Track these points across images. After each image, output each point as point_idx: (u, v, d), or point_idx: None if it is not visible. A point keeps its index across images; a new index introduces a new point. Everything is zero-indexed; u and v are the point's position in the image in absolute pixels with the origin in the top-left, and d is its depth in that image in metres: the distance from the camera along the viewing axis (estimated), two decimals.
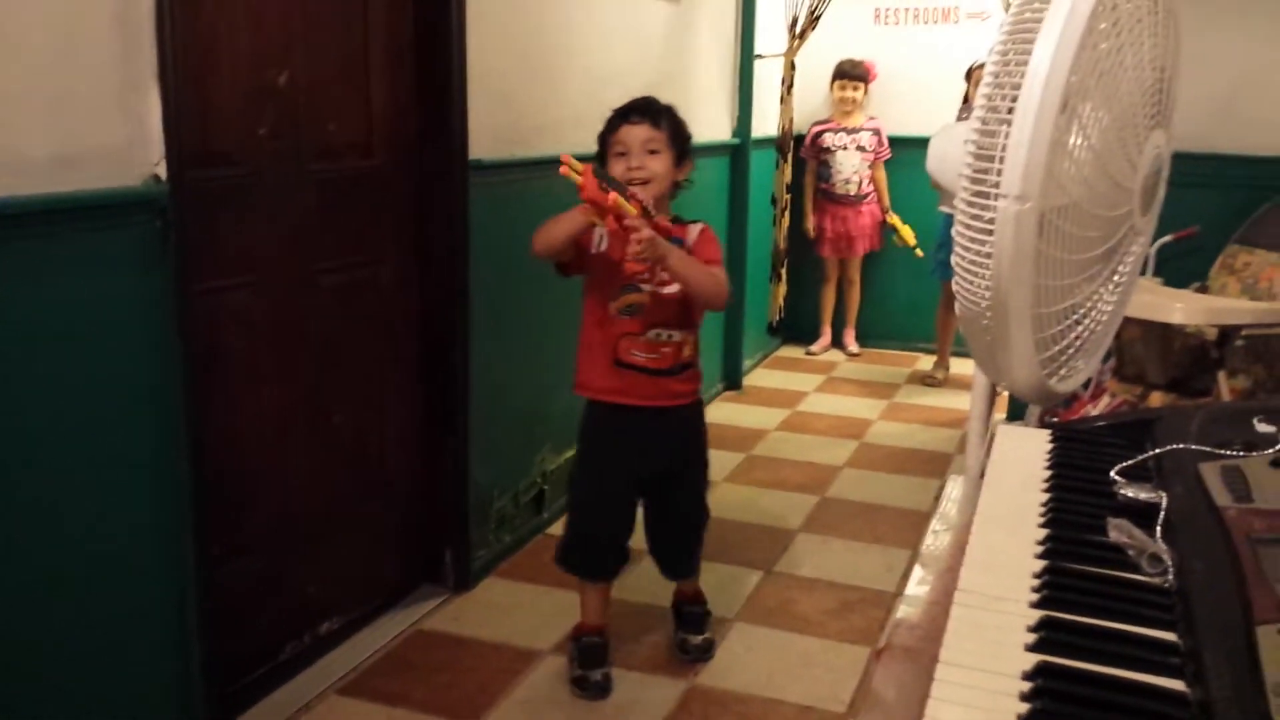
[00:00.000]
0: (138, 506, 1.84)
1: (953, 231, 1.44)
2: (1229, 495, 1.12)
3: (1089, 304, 1.54)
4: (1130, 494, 1.21)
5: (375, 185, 2.52)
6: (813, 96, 5.38)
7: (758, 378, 5.08)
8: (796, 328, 5.57)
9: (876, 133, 5.29)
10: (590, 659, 2.40)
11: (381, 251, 2.57)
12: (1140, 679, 0.90)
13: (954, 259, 1.44)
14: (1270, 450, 1.23)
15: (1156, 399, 3.15)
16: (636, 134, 2.28)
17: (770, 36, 4.89)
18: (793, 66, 5.05)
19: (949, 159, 1.56)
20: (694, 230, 2.35)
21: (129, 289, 1.78)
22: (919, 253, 5.15)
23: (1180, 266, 3.44)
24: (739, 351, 4.82)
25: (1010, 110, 1.32)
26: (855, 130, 5.27)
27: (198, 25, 1.97)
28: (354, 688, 2.37)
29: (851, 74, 5.25)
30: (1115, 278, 1.59)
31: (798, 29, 4.97)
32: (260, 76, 2.15)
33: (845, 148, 5.27)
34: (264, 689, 2.30)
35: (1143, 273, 3.16)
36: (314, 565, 2.44)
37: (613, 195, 2.08)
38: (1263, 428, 1.28)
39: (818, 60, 5.24)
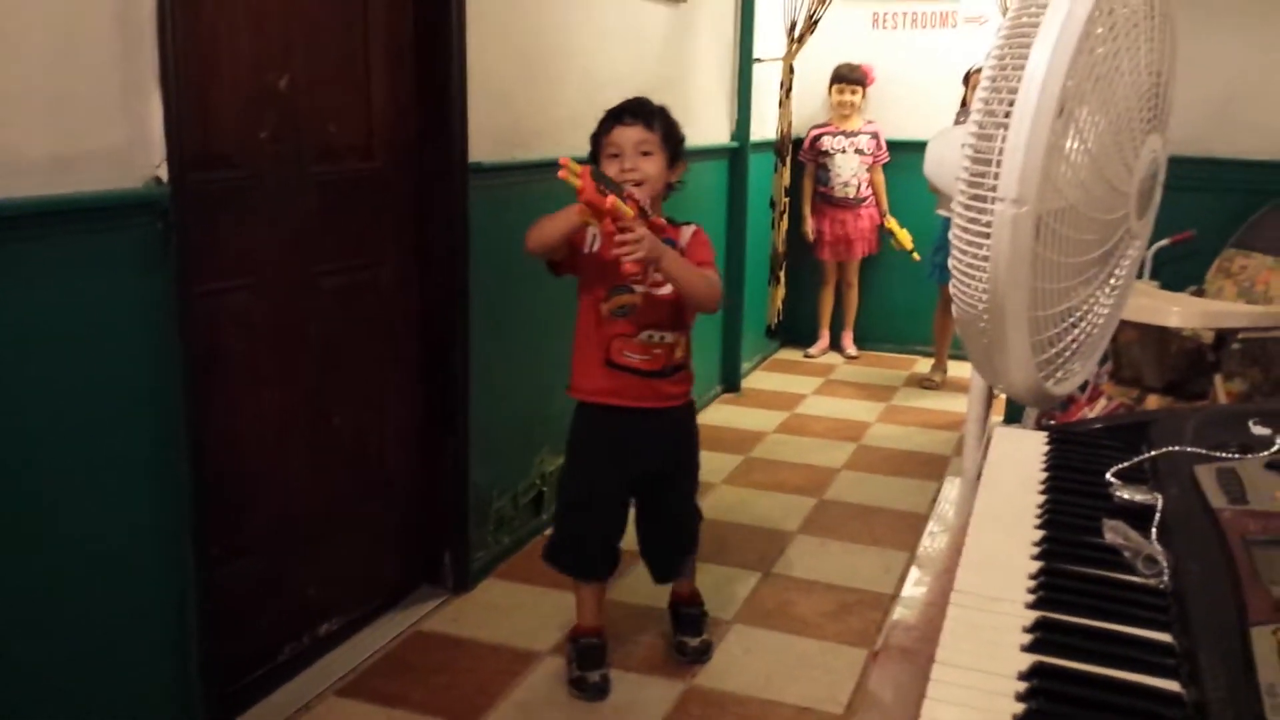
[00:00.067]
0: (137, 508, 1.85)
1: (950, 235, 1.44)
2: (1224, 497, 1.12)
3: (1086, 307, 1.54)
4: (1126, 496, 1.21)
5: (375, 187, 2.52)
6: (811, 100, 5.39)
7: (756, 380, 5.09)
8: (795, 330, 5.58)
9: (875, 136, 5.30)
10: (588, 660, 2.40)
11: (382, 253, 2.57)
12: (1135, 679, 0.90)
13: (951, 262, 1.45)
14: (1265, 453, 1.23)
15: (1153, 402, 3.15)
16: (630, 135, 2.28)
17: (769, 40, 4.90)
18: (791, 70, 5.06)
19: (946, 163, 1.56)
20: (687, 232, 2.35)
21: (130, 291, 1.78)
22: (916, 256, 5.16)
23: (1177, 270, 3.45)
24: (737, 354, 4.83)
25: (1007, 114, 1.32)
26: (853, 134, 5.28)
27: (198, 27, 1.98)
28: (353, 689, 2.37)
29: (850, 78, 5.26)
30: (1112, 281, 1.60)
31: (796, 33, 4.98)
32: (261, 79, 2.15)
33: (844, 151, 5.28)
34: (263, 690, 2.30)
35: (1139, 276, 3.17)
36: (313, 566, 2.44)
37: (611, 198, 2.08)
38: (1258, 430, 1.28)
39: (816, 64, 5.25)
